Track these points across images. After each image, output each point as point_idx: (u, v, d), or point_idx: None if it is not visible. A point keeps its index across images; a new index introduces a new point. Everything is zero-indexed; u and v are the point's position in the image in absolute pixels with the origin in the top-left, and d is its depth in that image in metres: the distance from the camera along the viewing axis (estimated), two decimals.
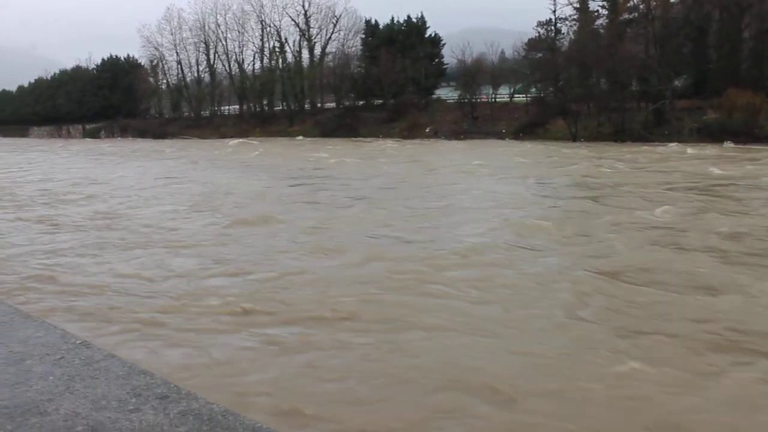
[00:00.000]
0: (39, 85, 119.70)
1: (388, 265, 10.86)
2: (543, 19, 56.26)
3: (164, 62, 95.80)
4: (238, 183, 25.49)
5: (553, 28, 56.11)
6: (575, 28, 55.19)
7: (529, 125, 50.85)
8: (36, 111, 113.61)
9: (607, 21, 52.55)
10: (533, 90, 55.93)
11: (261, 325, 7.97)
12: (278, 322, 8.09)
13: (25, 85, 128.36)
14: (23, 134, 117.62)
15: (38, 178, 30.09)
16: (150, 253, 12.28)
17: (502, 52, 66.93)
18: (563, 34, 56.59)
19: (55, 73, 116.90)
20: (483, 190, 21.22)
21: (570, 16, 55.45)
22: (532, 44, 56.61)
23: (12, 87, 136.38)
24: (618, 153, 33.75)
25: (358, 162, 34.36)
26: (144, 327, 7.94)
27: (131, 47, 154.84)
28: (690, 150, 32.79)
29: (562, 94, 50.32)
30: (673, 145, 36.84)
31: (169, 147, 60.09)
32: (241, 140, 62.25)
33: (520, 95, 58.51)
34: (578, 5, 54.41)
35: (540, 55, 55.28)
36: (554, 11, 55.43)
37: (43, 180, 28.73)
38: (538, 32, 56.62)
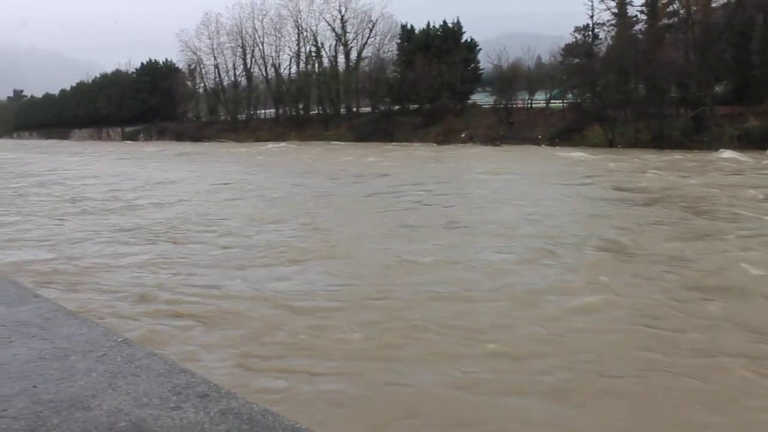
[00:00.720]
0: (80, 88, 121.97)
1: (547, 296, 9.27)
2: (580, 24, 55.81)
3: (202, 66, 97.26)
4: (306, 190, 24.31)
5: (590, 33, 55.53)
6: (613, 33, 54.57)
7: (566, 131, 50.42)
8: (77, 114, 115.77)
9: (645, 26, 51.89)
10: (570, 96, 55.43)
11: (403, 366, 6.87)
12: (426, 364, 6.92)
13: (67, 88, 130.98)
14: (64, 136, 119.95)
15: (96, 182, 29.85)
16: (250, 271, 10.95)
17: (539, 58, 66.71)
18: (601, 39, 55.99)
19: (95, 77, 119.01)
20: (569, 200, 20.10)
21: (608, 21, 54.84)
22: (569, 49, 56.16)
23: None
24: (690, 163, 31.22)
25: (417, 167, 33.49)
26: (268, 368, 6.92)
27: (170, 52, 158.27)
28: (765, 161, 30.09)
29: (599, 99, 49.80)
30: (729, 153, 34.44)
31: (213, 150, 60.47)
32: (284, 144, 62.68)
33: (557, 101, 58.06)
34: (616, 10, 53.87)
35: (577, 60, 54.85)
36: (592, 16, 54.92)
37: (102, 184, 28.31)
38: (575, 37, 56.13)
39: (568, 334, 7.77)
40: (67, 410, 1.75)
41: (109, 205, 20.88)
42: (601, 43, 55.77)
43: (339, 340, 7.60)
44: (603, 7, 54.49)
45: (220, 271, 11.09)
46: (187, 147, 68.67)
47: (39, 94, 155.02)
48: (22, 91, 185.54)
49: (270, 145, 62.74)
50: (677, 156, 35.49)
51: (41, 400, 1.80)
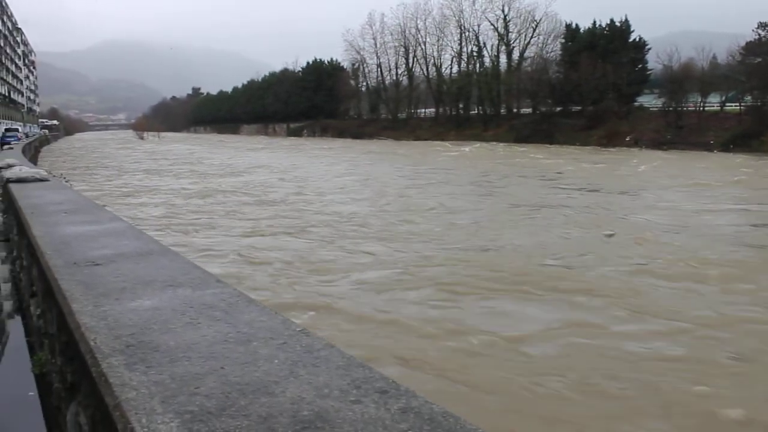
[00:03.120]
0: (250, 86, 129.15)
1: None
2: (765, 20, 51.83)
3: (365, 65, 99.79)
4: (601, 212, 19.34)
5: None
6: None
7: (742, 136, 47.03)
8: (246, 110, 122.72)
9: None
10: (748, 98, 51.66)
11: None
12: None
13: (238, 86, 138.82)
14: (234, 131, 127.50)
15: (352, 187, 27.67)
16: None
17: (714, 57, 62.74)
18: None
19: (264, 76, 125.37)
20: None
21: None
22: (751, 48, 52.37)
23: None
24: None
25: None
26: None
27: (335, 52, 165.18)
28: None
29: None
30: None
31: (397, 149, 60.31)
32: (477, 144, 61.31)
33: (733, 104, 54.33)
34: None
35: (759, 59, 50.99)
36: None
37: (346, 193, 25.34)
38: (759, 34, 52.28)
39: None
40: (252, 393, 1.81)
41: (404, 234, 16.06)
42: None
43: None
44: None
45: None
46: (363, 144, 69.02)
47: (214, 92, 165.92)
48: (199, 89, 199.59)
49: (468, 148, 58.96)
50: None
51: (229, 382, 1.88)
